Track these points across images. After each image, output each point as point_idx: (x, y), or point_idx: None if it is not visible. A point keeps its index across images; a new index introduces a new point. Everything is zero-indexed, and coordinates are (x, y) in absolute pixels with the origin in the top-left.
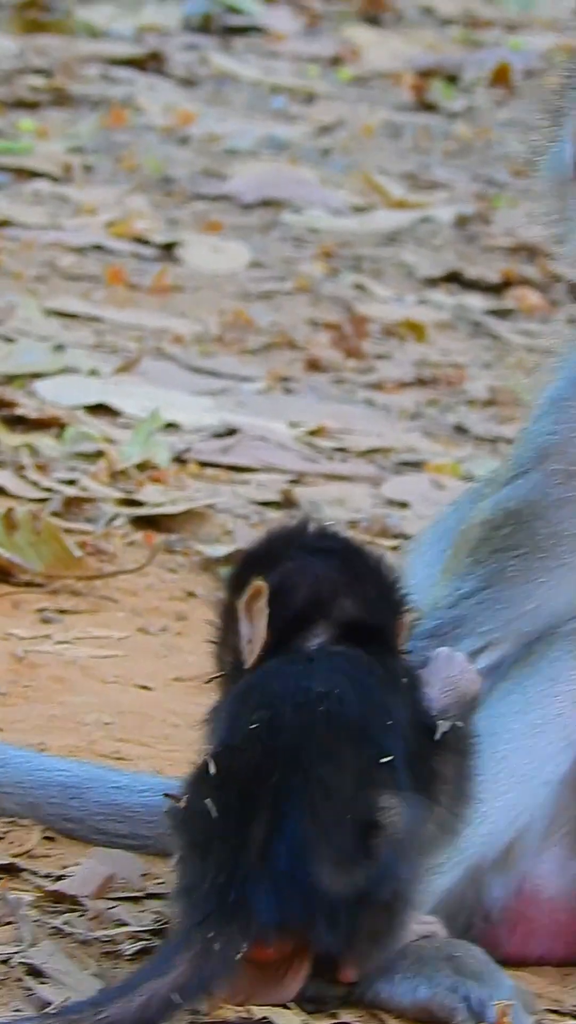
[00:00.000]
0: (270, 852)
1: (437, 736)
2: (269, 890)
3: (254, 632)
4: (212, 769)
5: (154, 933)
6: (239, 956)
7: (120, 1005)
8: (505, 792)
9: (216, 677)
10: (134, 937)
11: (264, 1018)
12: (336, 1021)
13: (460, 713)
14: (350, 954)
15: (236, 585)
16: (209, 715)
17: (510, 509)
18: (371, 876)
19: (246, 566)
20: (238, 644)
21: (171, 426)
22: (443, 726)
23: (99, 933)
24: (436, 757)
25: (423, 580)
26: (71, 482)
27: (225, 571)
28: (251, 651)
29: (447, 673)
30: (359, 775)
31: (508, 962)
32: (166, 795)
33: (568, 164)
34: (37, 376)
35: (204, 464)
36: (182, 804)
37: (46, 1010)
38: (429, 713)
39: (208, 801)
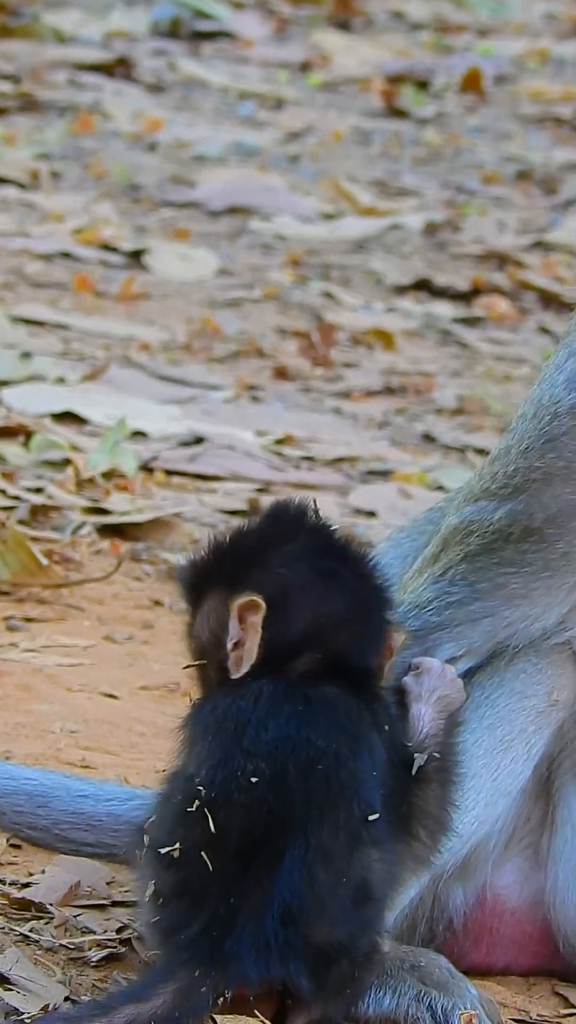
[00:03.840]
0: (266, 913)
1: (413, 771)
2: (262, 947)
3: (245, 647)
4: (212, 826)
5: (120, 941)
6: (222, 999)
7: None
8: (471, 808)
9: (193, 665)
10: (100, 944)
11: None
12: None
13: (447, 734)
14: (320, 1000)
15: (227, 575)
16: (188, 725)
17: (532, 527)
18: (355, 932)
19: (241, 555)
20: (221, 636)
21: (138, 434)
22: (419, 759)
23: (65, 940)
24: (416, 792)
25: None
26: (38, 490)
27: (210, 542)
28: (238, 660)
29: (442, 690)
30: (351, 836)
31: (473, 972)
32: (160, 851)
33: None
34: (4, 384)
35: (171, 472)
36: (175, 853)
37: (16, 1018)
38: (406, 748)
39: (204, 854)
